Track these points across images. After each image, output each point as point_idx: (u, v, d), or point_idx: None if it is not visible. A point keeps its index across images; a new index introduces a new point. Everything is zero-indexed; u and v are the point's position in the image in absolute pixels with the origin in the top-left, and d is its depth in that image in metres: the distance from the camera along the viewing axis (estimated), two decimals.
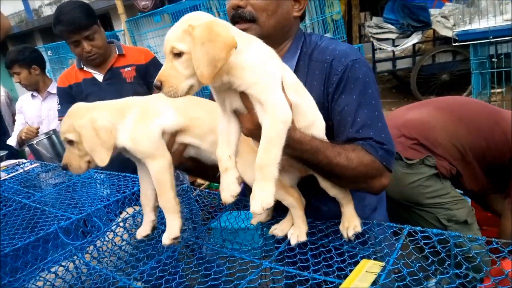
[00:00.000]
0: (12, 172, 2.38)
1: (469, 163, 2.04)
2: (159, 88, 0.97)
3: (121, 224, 1.59)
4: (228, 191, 1.06)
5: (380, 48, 7.06)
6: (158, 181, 1.25)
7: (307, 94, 1.21)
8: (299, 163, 1.20)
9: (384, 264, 1.09)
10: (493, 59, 2.91)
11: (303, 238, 1.24)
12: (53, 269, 1.40)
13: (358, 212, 1.28)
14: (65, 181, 2.13)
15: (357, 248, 1.23)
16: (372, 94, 1.26)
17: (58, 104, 2.70)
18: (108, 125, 1.21)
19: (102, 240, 1.52)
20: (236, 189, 1.06)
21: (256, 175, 1.01)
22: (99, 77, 2.58)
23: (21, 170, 2.39)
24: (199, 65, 0.93)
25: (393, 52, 7.06)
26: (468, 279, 1.03)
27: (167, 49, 0.97)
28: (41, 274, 1.40)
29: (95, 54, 2.48)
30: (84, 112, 1.25)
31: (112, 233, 1.56)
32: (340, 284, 1.04)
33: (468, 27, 2.64)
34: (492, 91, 3.05)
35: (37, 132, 3.22)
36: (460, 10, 2.70)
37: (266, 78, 1.02)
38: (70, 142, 1.23)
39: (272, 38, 1.30)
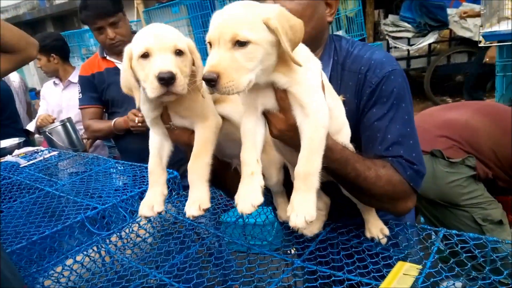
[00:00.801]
0: (31, 159, 2.38)
1: (506, 170, 2.05)
2: (213, 81, 0.84)
3: None
4: (249, 199, 0.94)
5: (395, 47, 6.99)
6: (202, 142, 1.11)
7: (336, 97, 1.17)
8: (325, 172, 1.11)
9: (422, 267, 1.07)
10: None
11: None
12: (79, 258, 1.40)
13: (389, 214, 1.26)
14: (86, 170, 2.12)
15: (391, 250, 1.21)
16: (405, 109, 1.20)
17: (79, 93, 2.70)
18: None
19: (128, 231, 1.52)
20: (259, 198, 0.95)
21: (297, 184, 0.94)
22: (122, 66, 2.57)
23: (40, 158, 2.38)
24: (288, 50, 0.88)
25: (408, 51, 7.00)
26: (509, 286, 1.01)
27: (227, 36, 0.85)
28: (67, 263, 1.40)
29: (118, 42, 2.47)
30: None
31: (137, 225, 1.55)
32: (377, 285, 1.03)
33: (495, 28, 2.60)
34: None
35: (53, 122, 3.23)
36: (487, 11, 2.65)
37: (310, 78, 0.97)
38: (180, 53, 1.06)
39: (306, 46, 1.22)
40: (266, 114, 1.01)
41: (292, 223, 0.92)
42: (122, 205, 1.64)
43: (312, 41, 1.26)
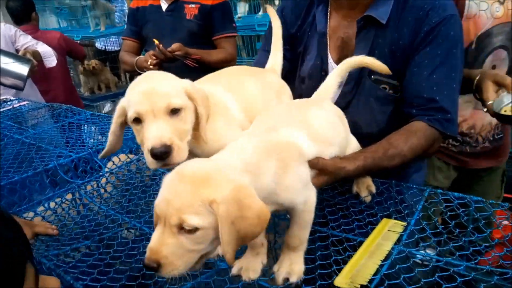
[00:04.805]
0: None
1: None
2: (155, 270, 0.72)
3: (124, 167, 1.52)
4: (253, 272, 0.96)
5: None
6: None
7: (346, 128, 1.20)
8: None
9: (406, 223, 1.07)
10: None
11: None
12: (52, 205, 1.33)
13: (401, 172, 1.33)
14: (58, 120, 2.02)
15: (375, 208, 1.20)
16: (455, 55, 1.24)
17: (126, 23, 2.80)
18: None
19: (105, 182, 1.45)
20: (260, 272, 0.97)
21: (285, 250, 0.98)
22: (164, 6, 2.55)
23: (9, 107, 2.26)
24: (227, 247, 0.73)
25: None
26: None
27: (173, 221, 0.71)
28: (38, 210, 1.33)
29: None
30: None
31: (114, 176, 1.49)
32: (361, 242, 1.02)
33: None
34: None
35: None
36: None
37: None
38: (176, 111, 0.91)
39: None
40: None
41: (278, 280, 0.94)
42: (98, 155, 1.57)
43: None
